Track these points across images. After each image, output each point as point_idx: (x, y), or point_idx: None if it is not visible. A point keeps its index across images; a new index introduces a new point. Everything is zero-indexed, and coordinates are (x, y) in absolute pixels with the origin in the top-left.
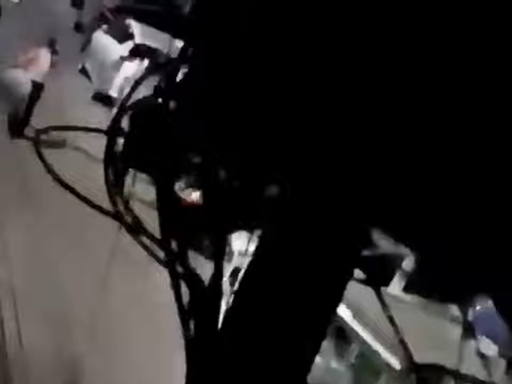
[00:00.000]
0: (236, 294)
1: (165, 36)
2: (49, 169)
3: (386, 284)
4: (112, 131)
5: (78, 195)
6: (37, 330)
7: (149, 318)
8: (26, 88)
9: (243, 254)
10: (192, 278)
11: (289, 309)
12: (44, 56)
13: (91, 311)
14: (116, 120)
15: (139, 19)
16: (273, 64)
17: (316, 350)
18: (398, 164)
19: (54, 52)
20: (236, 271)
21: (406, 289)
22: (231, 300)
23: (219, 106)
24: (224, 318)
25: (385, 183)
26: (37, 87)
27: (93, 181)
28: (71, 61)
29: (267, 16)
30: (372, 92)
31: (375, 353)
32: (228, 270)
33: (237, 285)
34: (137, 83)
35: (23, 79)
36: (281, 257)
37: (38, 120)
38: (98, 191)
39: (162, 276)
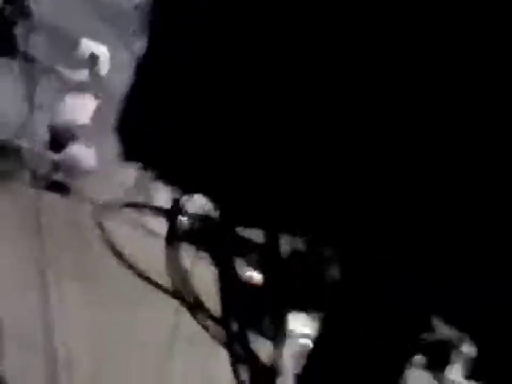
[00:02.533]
0: (297, 378)
1: None
2: (111, 244)
3: (447, 369)
4: (175, 210)
5: (137, 272)
6: None
7: None
8: (91, 163)
9: (303, 335)
10: (252, 359)
11: None
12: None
13: None
14: (178, 199)
15: None
16: None
17: None
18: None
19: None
20: (295, 352)
21: (468, 375)
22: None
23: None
24: None
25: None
26: None
27: (153, 258)
28: None
29: None
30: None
31: None
32: (287, 351)
33: (296, 367)
34: None
35: (87, 154)
36: (342, 341)
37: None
38: (158, 267)
39: (222, 358)
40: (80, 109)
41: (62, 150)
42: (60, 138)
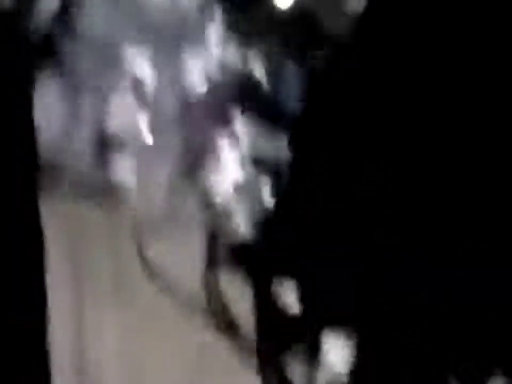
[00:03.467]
0: None
1: None
2: (149, 263)
3: None
4: (213, 232)
5: (173, 292)
6: None
7: None
8: (132, 179)
9: (336, 362)
10: None
11: None
12: None
13: None
14: (217, 221)
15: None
16: None
17: None
18: None
19: None
20: (328, 378)
21: None
22: None
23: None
24: None
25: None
26: None
27: (191, 278)
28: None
29: None
30: None
31: None
32: (320, 378)
33: None
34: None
35: (128, 169)
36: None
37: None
38: (195, 289)
39: (253, 381)
40: (123, 124)
41: (104, 166)
42: (102, 154)
